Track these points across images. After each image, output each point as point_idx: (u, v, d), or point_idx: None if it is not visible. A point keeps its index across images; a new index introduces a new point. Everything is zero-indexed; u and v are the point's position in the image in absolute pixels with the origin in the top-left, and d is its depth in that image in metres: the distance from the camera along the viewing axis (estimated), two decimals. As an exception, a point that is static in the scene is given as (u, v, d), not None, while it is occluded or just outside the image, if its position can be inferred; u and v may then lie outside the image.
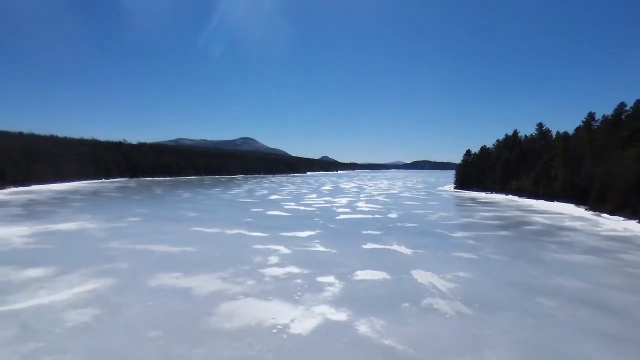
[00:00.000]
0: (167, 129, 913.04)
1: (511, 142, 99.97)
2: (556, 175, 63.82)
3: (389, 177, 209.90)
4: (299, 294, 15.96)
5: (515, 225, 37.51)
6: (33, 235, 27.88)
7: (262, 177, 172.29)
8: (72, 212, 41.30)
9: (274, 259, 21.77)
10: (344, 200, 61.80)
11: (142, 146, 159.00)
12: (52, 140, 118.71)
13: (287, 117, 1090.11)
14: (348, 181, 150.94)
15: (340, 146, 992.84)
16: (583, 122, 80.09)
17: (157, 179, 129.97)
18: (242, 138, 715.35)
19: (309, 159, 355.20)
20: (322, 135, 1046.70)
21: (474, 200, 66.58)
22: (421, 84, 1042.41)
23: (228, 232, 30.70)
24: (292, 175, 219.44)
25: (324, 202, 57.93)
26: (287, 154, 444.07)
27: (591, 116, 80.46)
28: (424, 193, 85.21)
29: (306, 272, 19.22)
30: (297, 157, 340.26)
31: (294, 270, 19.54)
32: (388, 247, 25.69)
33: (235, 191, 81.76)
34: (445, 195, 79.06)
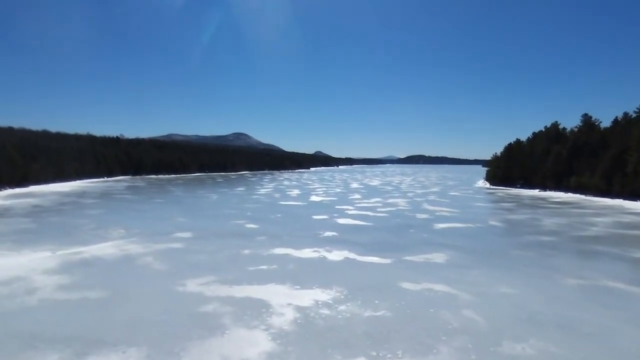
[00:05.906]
0: (157, 124, 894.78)
1: (553, 135, 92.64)
2: (636, 171, 56.38)
3: (400, 173, 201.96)
4: None
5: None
6: (62, 267, 19.20)
7: (270, 174, 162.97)
8: (95, 223, 32.45)
9: (474, 317, 13.43)
10: (401, 202, 53.58)
11: (141, 141, 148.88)
12: (46, 135, 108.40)
13: (279, 112, 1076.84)
14: (364, 177, 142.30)
15: (332, 141, 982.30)
16: (636, 112, 73.51)
17: (163, 176, 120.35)
18: (234, 133, 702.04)
19: (304, 154, 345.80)
20: (314, 130, 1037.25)
21: (543, 199, 58.79)
22: (413, 78, 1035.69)
23: (330, 257, 22.29)
24: (298, 171, 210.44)
25: (381, 205, 49.62)
26: (281, 149, 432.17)
27: (645, 106, 73.87)
28: (471, 191, 77.28)
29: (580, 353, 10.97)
30: (292, 152, 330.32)
31: (552, 348, 11.25)
32: (597, 284, 17.56)
33: (262, 190, 72.94)
34: (499, 194, 71.22)
